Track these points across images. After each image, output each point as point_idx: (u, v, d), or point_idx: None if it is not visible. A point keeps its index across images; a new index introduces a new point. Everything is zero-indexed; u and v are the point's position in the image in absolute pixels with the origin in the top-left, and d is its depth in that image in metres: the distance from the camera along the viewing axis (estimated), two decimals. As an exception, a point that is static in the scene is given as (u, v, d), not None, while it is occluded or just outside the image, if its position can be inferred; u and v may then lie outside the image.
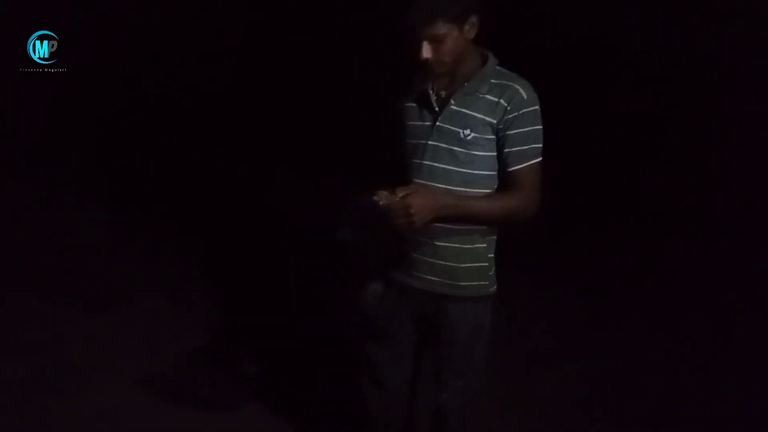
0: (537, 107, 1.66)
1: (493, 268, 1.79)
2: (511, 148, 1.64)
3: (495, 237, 1.79)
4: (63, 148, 4.16)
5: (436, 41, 1.58)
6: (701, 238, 2.96)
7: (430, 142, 1.70)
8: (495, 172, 1.71)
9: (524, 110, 1.63)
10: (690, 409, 2.50)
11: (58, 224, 3.63)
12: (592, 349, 2.88)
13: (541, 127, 1.67)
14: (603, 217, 3.14)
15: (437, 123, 1.69)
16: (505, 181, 1.68)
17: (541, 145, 1.67)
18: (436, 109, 1.70)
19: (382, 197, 1.61)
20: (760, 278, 2.77)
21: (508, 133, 1.64)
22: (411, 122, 1.76)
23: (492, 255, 1.79)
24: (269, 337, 2.97)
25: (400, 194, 1.57)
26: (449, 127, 1.68)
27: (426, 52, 1.60)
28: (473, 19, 1.61)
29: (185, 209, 3.92)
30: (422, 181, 1.71)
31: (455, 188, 1.68)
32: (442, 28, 1.57)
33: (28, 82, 3.80)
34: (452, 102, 1.68)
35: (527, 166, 1.65)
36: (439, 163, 1.70)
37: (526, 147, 1.65)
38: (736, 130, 2.87)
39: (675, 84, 3.04)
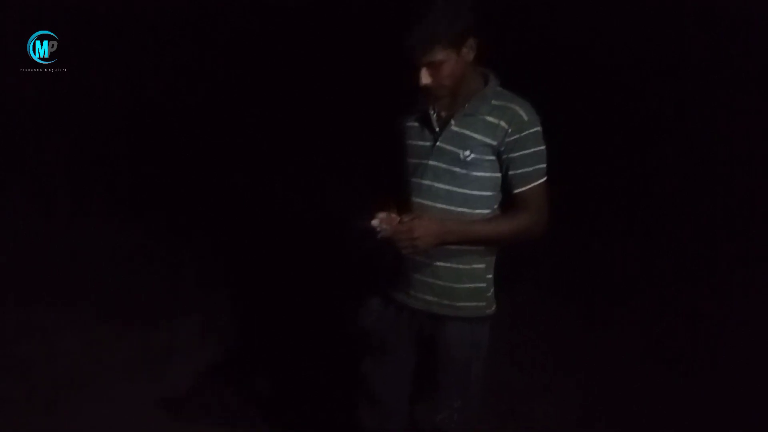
0: (539, 128, 1.66)
1: (492, 289, 1.79)
2: (516, 170, 1.65)
3: (494, 258, 1.79)
4: (62, 149, 4.14)
5: (434, 67, 1.58)
6: (701, 250, 2.93)
7: (430, 162, 1.71)
8: (495, 192, 1.71)
9: (526, 132, 1.63)
10: (689, 425, 2.49)
11: (54, 230, 3.57)
12: (588, 365, 2.85)
13: (544, 147, 1.67)
14: (598, 229, 3.11)
15: (437, 143, 1.70)
16: (512, 202, 1.69)
17: (545, 165, 1.68)
18: (437, 129, 1.71)
19: (382, 221, 1.63)
20: (761, 294, 2.74)
21: (511, 155, 1.64)
22: (412, 141, 1.77)
23: (491, 276, 1.79)
24: (269, 351, 2.94)
25: (406, 219, 1.60)
26: (449, 147, 1.68)
27: (425, 78, 1.59)
28: (471, 42, 1.60)
29: (187, 216, 3.84)
30: (422, 201, 1.72)
31: (455, 208, 1.69)
32: (439, 54, 1.56)
33: (28, 82, 3.78)
34: (453, 123, 1.68)
35: (533, 187, 1.66)
36: (440, 183, 1.70)
37: (530, 169, 1.65)
38: (736, 143, 2.83)
39: (672, 94, 3.00)
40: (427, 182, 1.71)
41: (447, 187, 1.69)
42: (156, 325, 3.04)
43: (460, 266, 1.73)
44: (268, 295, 3.34)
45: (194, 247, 3.69)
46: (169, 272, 3.47)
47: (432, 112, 1.71)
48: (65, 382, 2.57)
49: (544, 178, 1.67)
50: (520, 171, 1.65)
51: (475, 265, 1.74)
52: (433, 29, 1.53)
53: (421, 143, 1.74)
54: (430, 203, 1.71)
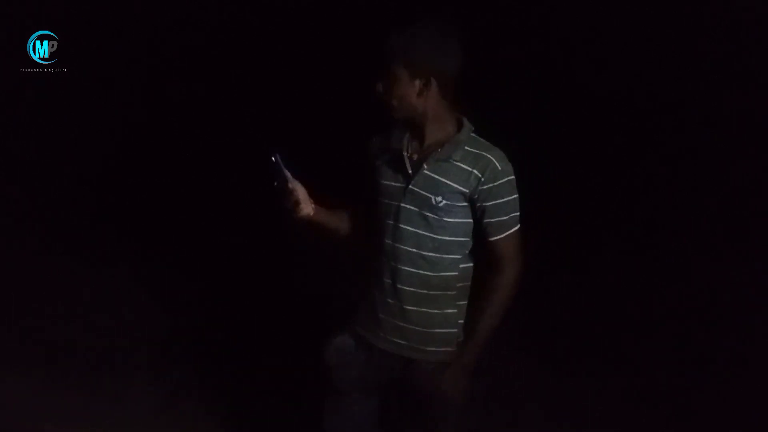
0: (512, 177, 1.65)
1: (462, 335, 1.77)
2: (490, 219, 1.64)
3: (465, 303, 1.76)
4: (63, 151, 4.13)
5: (387, 79, 1.61)
6: (689, 279, 2.81)
7: (402, 205, 1.69)
8: (467, 239, 1.69)
9: (500, 181, 1.62)
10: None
11: (51, 235, 3.52)
12: (560, 408, 2.75)
13: (517, 195, 1.66)
14: (577, 258, 2.99)
15: (410, 186, 1.68)
16: (487, 250, 1.69)
17: (518, 214, 1.67)
18: (410, 171, 1.68)
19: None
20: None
21: (485, 204, 1.63)
22: (384, 181, 1.75)
23: (462, 321, 1.76)
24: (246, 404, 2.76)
25: (442, 386, 1.70)
26: (421, 191, 1.66)
27: (377, 85, 1.63)
28: (430, 79, 1.59)
29: (182, 226, 3.67)
30: (393, 243, 1.70)
31: (426, 253, 1.67)
32: (394, 68, 1.59)
33: (28, 82, 3.77)
34: (425, 167, 1.66)
35: (507, 235, 1.66)
36: (411, 227, 1.68)
37: (505, 217, 1.64)
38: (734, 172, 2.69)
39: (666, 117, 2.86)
40: (398, 224, 1.69)
41: (418, 230, 1.67)
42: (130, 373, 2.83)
43: (432, 311, 1.71)
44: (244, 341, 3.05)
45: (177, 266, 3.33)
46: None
47: (405, 153, 1.69)
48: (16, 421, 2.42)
49: (518, 226, 1.67)
50: (495, 219, 1.64)
51: (447, 311, 1.72)
52: (399, 43, 1.58)
53: (393, 184, 1.72)
54: (400, 245, 1.69)
